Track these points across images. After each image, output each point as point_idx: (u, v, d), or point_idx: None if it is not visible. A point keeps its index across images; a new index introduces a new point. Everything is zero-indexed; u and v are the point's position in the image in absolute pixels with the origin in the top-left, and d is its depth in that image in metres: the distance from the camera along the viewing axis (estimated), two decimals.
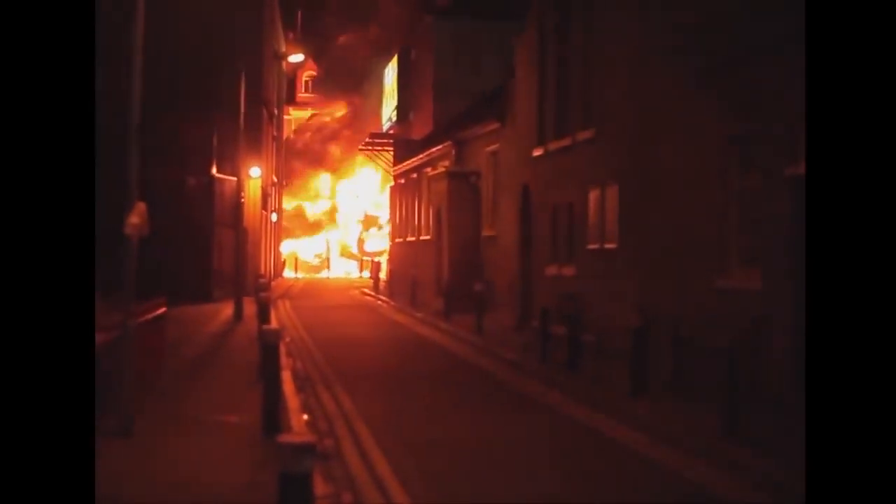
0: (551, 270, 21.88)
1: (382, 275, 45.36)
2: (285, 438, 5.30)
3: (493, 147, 29.77)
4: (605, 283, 18.42)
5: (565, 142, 21.43)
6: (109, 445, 10.36)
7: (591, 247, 19.38)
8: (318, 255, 71.74)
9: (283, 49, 53.36)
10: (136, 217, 11.06)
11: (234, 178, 32.76)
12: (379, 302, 38.26)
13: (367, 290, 44.05)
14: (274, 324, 18.82)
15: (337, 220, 73.75)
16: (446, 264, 31.98)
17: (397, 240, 45.22)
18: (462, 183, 31.88)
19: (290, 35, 63.19)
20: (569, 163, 21.13)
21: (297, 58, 49.25)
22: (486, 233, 30.53)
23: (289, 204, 69.56)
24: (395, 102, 57.70)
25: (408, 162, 42.26)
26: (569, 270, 20.65)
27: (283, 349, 16.29)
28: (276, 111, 51.70)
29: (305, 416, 12.66)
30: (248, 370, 16.32)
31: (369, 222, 69.39)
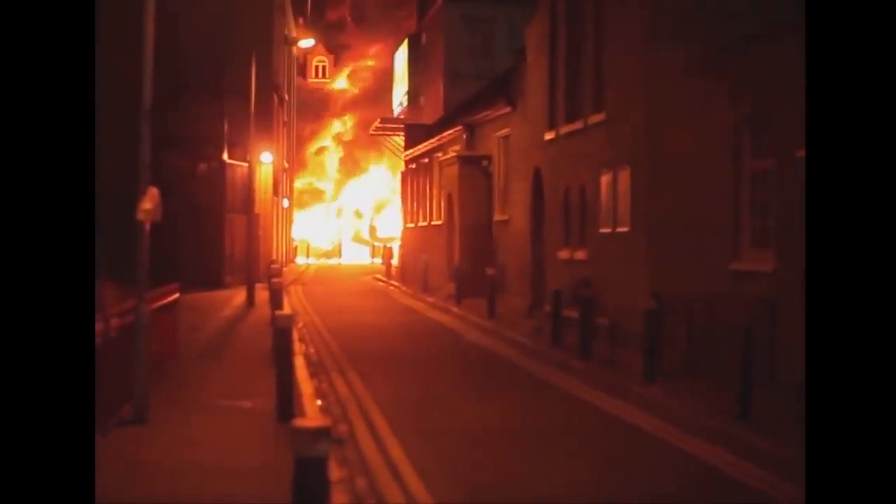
0: (563, 254, 21.84)
1: (394, 260, 45.37)
2: (300, 423, 5.30)
3: (504, 131, 29.71)
4: (618, 266, 18.38)
5: (577, 125, 21.36)
6: (124, 432, 10.40)
7: (604, 230, 19.33)
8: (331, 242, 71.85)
9: (294, 34, 53.32)
10: (149, 203, 11.06)
11: (246, 164, 32.79)
12: (391, 287, 38.29)
13: (378, 276, 44.08)
14: (286, 309, 18.85)
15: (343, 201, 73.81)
16: (458, 249, 31.96)
17: (409, 225, 45.22)
18: (473, 167, 31.83)
19: (300, 20, 63.07)
20: (580, 146, 21.07)
21: (307, 43, 49.20)
22: (497, 217, 30.49)
23: (300, 181, 69.57)
24: (405, 87, 57.62)
25: (419, 147, 42.21)
26: (581, 254, 20.61)
27: (295, 335, 16.31)
28: (286, 96, 51.69)
29: (319, 402, 12.68)
30: (262, 356, 16.35)
31: (380, 207, 69.43)
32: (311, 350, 18.43)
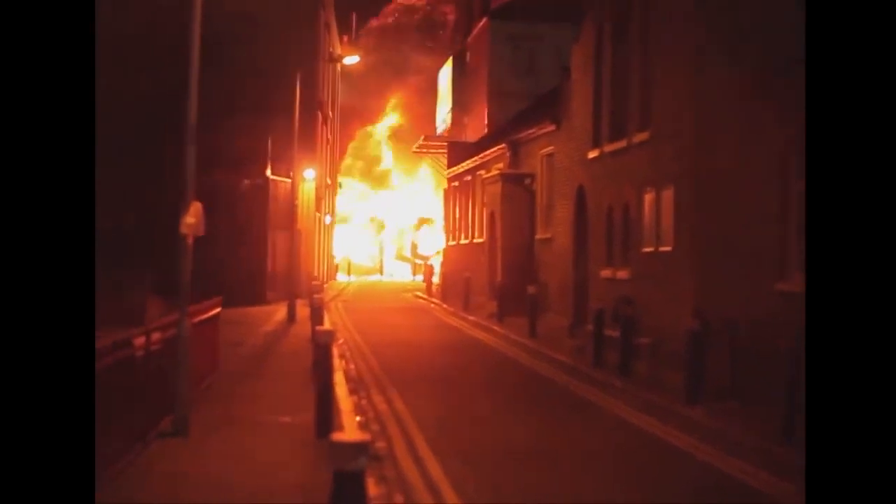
0: (606, 273, 21.71)
1: (436, 278, 45.37)
2: (338, 437, 5.25)
3: (548, 149, 29.63)
4: (661, 286, 18.23)
5: (621, 144, 21.25)
6: (165, 445, 10.41)
7: (647, 249, 19.19)
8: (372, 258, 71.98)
9: (339, 51, 53.63)
10: (192, 217, 11.11)
11: (289, 180, 32.95)
12: (432, 305, 38.26)
13: (419, 293, 44.08)
14: (327, 326, 18.87)
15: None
16: (500, 267, 31.87)
17: (451, 243, 45.21)
18: (516, 185, 31.76)
19: (345, 38, 63.46)
20: (624, 165, 20.96)
21: (351, 59, 49.46)
22: (539, 235, 30.39)
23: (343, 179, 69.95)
24: (449, 105, 57.74)
25: (462, 165, 42.23)
26: (623, 273, 20.47)
27: (335, 351, 16.31)
28: (330, 113, 51.95)
29: (358, 418, 12.65)
30: (302, 371, 16.35)
31: (422, 224, 69.49)
32: (352, 366, 18.42)
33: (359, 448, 5.12)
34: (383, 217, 74.78)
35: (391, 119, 75.97)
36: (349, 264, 65.37)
